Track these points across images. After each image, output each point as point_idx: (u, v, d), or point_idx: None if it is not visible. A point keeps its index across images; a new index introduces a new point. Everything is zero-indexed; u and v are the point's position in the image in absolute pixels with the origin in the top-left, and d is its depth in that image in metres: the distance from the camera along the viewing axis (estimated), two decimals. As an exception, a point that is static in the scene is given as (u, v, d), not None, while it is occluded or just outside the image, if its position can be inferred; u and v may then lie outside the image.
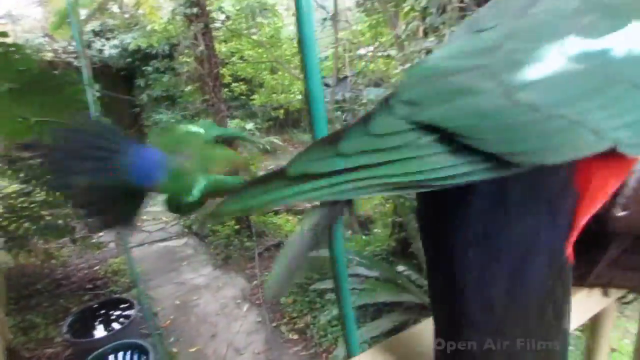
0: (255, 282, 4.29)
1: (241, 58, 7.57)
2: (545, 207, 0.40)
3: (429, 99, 0.37)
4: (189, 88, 6.47)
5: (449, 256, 0.42)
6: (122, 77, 8.67)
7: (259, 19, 7.21)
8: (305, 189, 0.35)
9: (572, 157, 0.36)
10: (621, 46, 0.37)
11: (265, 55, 7.27)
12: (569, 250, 0.41)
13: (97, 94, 3.50)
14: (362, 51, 6.16)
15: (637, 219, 0.49)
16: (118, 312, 3.51)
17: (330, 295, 3.61)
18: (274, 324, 3.67)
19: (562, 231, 0.41)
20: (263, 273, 4.28)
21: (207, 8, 5.78)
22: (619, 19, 0.38)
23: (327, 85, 5.76)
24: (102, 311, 3.50)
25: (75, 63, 6.58)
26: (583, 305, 0.69)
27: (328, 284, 3.43)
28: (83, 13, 6.51)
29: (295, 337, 3.50)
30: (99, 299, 3.83)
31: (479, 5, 2.57)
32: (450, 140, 0.35)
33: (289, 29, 7.70)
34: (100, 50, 8.23)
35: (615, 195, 0.48)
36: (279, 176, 0.36)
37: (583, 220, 0.42)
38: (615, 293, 0.73)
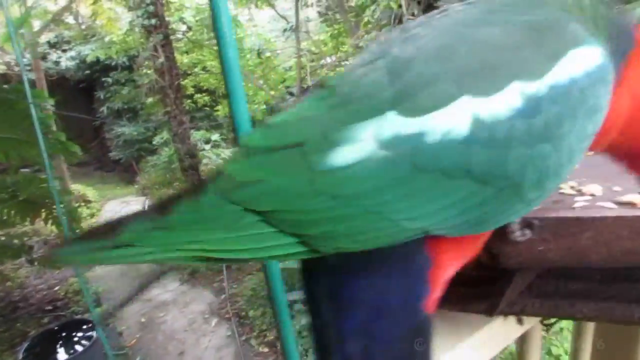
0: (223, 295, 4.23)
1: (204, 69, 7.51)
2: (395, 271, 0.41)
3: (246, 177, 0.36)
4: (150, 100, 6.36)
5: (314, 311, 0.43)
6: (81, 89, 8.45)
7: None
8: (129, 254, 0.36)
9: (375, 246, 0.36)
10: (438, 128, 0.36)
11: (228, 66, 7.22)
12: (430, 308, 0.42)
13: (52, 109, 3.39)
14: (325, 61, 6.23)
15: (526, 258, 0.50)
16: (80, 334, 3.38)
17: (299, 307, 3.60)
18: (244, 338, 3.63)
19: (418, 293, 0.41)
20: (231, 286, 4.23)
21: (167, 19, 5.71)
22: (447, 90, 0.37)
23: (291, 94, 5.78)
24: (64, 333, 3.37)
25: (30, 76, 6.35)
26: (501, 333, 0.70)
27: (296, 295, 3.43)
28: (37, 24, 6.31)
29: (266, 350, 3.47)
30: (59, 321, 3.68)
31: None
32: (266, 220, 0.36)
33: (252, 39, 7.69)
34: (57, 62, 7.99)
35: (502, 236, 0.49)
36: (108, 235, 0.36)
37: (441, 282, 0.43)
38: (530, 321, 0.74)
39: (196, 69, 7.53)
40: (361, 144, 0.35)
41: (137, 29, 5.76)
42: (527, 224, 0.48)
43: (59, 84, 7.69)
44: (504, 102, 0.36)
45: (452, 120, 0.36)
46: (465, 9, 0.45)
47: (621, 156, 0.54)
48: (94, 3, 6.04)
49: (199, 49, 7.25)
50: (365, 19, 3.68)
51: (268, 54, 7.37)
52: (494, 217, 0.39)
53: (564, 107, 0.38)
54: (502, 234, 0.47)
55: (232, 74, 0.84)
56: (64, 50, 8.12)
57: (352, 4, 5.48)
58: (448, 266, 0.43)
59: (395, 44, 0.43)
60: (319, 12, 6.85)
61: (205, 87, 7.90)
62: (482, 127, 0.36)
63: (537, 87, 0.37)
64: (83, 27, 7.64)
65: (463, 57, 0.38)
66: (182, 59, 7.07)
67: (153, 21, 5.27)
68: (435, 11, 0.49)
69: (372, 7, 3.57)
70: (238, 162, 0.38)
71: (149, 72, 6.10)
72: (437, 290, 0.42)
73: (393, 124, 0.35)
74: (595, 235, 0.46)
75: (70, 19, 7.25)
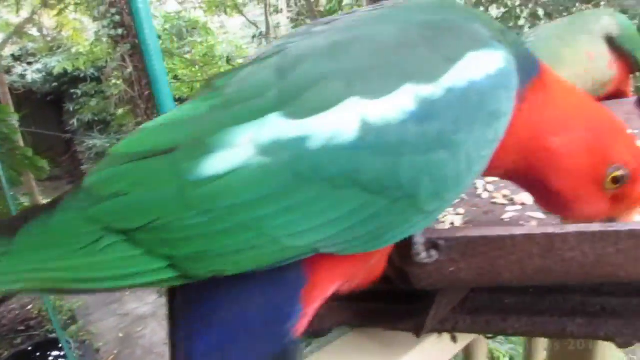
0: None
1: (175, 77, 7.42)
2: (259, 287, 0.36)
3: (106, 189, 0.32)
4: (120, 111, 6.26)
5: (170, 328, 0.39)
6: (49, 102, 8.25)
7: (189, 38, 7.12)
8: None
9: (256, 268, 0.33)
10: (322, 132, 0.32)
11: (199, 74, 7.17)
12: (299, 332, 0.38)
13: (17, 124, 3.32)
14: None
15: (437, 279, 0.49)
16: (56, 353, 3.31)
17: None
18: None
19: (285, 314, 0.37)
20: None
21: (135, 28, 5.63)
22: (334, 90, 0.34)
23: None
24: (38, 354, 3.29)
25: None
26: (436, 351, 0.67)
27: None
28: (-1, 37, 6.15)
29: None
30: (33, 341, 3.59)
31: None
32: (130, 240, 0.31)
33: (223, 46, 7.65)
34: (23, 76, 7.78)
35: (409, 258, 0.46)
36: None
37: (316, 304, 0.39)
38: (465, 338, 0.71)
39: (167, 78, 7.44)
40: (237, 149, 0.31)
41: (104, 39, 5.66)
42: (433, 244, 0.46)
43: (26, 97, 7.49)
44: (396, 105, 0.33)
45: (338, 124, 0.32)
46: (373, 8, 0.44)
47: (520, 182, 0.54)
48: (58, 14, 5.92)
49: (169, 57, 7.17)
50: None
51: (239, 61, 7.34)
52: (390, 231, 0.36)
53: (461, 112, 0.36)
54: (409, 254, 0.45)
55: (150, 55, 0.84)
56: (29, 63, 7.92)
57: (322, 9, 5.51)
58: (326, 286, 0.39)
59: (293, 40, 0.40)
60: (290, 18, 6.84)
61: (177, 96, 7.81)
62: (371, 131, 0.33)
63: (432, 89, 0.35)
64: (48, 38, 7.47)
65: (354, 56, 0.35)
66: (153, 68, 6.99)
67: (120, 31, 5.19)
68: (343, 13, 0.48)
69: (339, 13, 3.61)
70: (98, 172, 0.34)
71: (117, 82, 6.00)
72: (309, 312, 0.38)
73: (274, 127, 0.32)
74: (505, 255, 0.46)
75: (34, 31, 7.09)
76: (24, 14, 6.46)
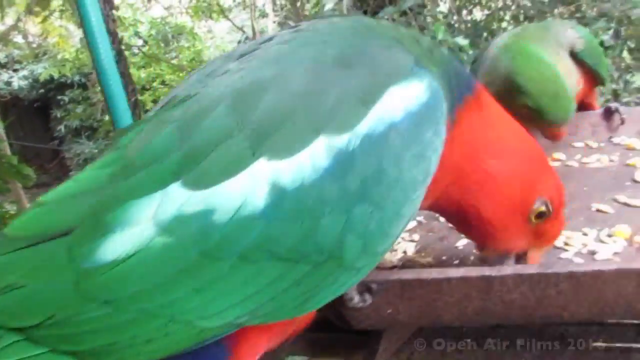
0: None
1: (162, 83, 7.39)
2: None
3: None
4: (107, 118, 6.22)
5: None
6: (36, 108, 8.18)
7: (175, 44, 7.09)
8: None
9: (173, 353, 0.30)
10: (228, 202, 0.29)
11: (187, 79, 7.15)
12: None
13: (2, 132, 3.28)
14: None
15: (377, 320, 0.48)
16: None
17: None
18: None
19: None
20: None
21: (120, 34, 5.59)
22: (239, 152, 0.31)
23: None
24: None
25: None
26: None
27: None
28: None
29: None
30: None
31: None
32: (29, 338, 0.28)
33: (210, 51, 7.62)
34: (9, 83, 7.72)
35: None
36: None
37: None
38: None
39: (155, 84, 7.40)
40: (137, 228, 0.29)
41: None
42: (365, 288, 0.45)
43: (13, 104, 7.45)
44: (309, 163, 0.31)
45: (245, 192, 0.29)
46: (292, 31, 0.42)
47: (445, 212, 0.52)
48: (43, 21, 5.88)
49: (156, 63, 7.13)
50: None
51: (227, 65, 7.31)
52: (318, 294, 0.34)
53: (383, 159, 0.33)
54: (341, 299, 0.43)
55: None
56: (15, 70, 7.86)
57: (307, 12, 5.49)
58: (253, 354, 0.37)
59: (199, 82, 0.38)
60: (278, 22, 6.83)
61: (165, 101, 7.77)
62: (284, 196, 0.30)
63: (348, 139, 0.32)
64: (34, 45, 7.42)
65: (261, 108, 0.32)
66: (140, 74, 6.94)
67: (105, 38, 5.18)
68: (267, 36, 0.45)
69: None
70: None
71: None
72: None
73: (175, 200, 0.29)
74: (443, 297, 0.45)
75: (19, 38, 7.03)
76: (9, 20, 6.40)
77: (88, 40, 0.86)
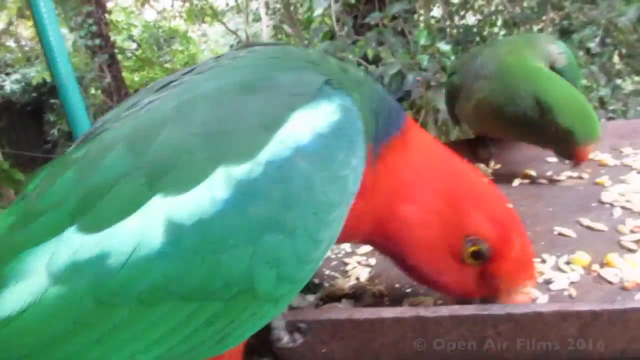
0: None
1: (156, 86, 7.38)
2: None
3: None
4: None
5: None
6: (29, 112, 8.14)
7: (167, 47, 7.08)
8: None
9: None
10: (122, 245, 0.28)
11: (181, 83, 7.13)
12: None
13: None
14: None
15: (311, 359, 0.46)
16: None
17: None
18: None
19: None
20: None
21: (113, 38, 5.58)
22: (133, 191, 0.29)
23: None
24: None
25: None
26: None
27: None
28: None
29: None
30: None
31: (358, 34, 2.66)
32: None
33: (204, 54, 7.60)
34: (1, 87, 7.69)
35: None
36: None
37: None
38: None
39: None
40: (31, 280, 0.27)
41: (82, 50, 5.61)
42: (295, 327, 0.43)
43: (6, 107, 7.42)
44: (207, 196, 0.29)
45: (139, 232, 0.28)
46: (200, 72, 0.40)
47: (385, 251, 0.49)
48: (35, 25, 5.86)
49: (149, 66, 7.11)
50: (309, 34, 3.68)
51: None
52: (236, 330, 0.32)
53: (290, 184, 0.31)
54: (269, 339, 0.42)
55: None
56: (8, 74, 7.83)
57: (300, 17, 5.48)
58: None
59: (116, 116, 0.36)
60: (273, 26, 6.81)
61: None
62: (182, 232, 0.28)
63: (249, 168, 0.30)
64: (26, 48, 7.39)
65: (157, 144, 0.31)
66: (133, 78, 6.93)
67: (97, 41, 5.15)
68: (190, 67, 0.44)
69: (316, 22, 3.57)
70: None
71: (96, 93, 5.94)
72: None
73: (69, 247, 0.28)
74: (378, 337, 0.42)
75: (10, 42, 7.01)
76: (0, 24, 6.39)
77: (47, 58, 0.84)
